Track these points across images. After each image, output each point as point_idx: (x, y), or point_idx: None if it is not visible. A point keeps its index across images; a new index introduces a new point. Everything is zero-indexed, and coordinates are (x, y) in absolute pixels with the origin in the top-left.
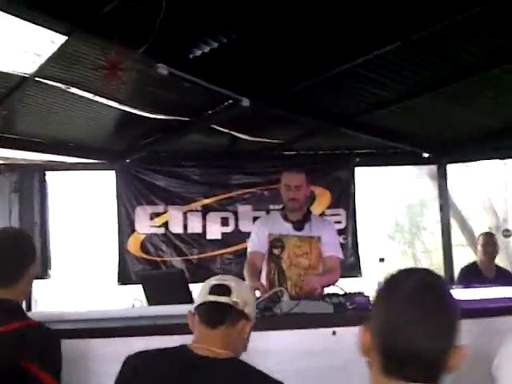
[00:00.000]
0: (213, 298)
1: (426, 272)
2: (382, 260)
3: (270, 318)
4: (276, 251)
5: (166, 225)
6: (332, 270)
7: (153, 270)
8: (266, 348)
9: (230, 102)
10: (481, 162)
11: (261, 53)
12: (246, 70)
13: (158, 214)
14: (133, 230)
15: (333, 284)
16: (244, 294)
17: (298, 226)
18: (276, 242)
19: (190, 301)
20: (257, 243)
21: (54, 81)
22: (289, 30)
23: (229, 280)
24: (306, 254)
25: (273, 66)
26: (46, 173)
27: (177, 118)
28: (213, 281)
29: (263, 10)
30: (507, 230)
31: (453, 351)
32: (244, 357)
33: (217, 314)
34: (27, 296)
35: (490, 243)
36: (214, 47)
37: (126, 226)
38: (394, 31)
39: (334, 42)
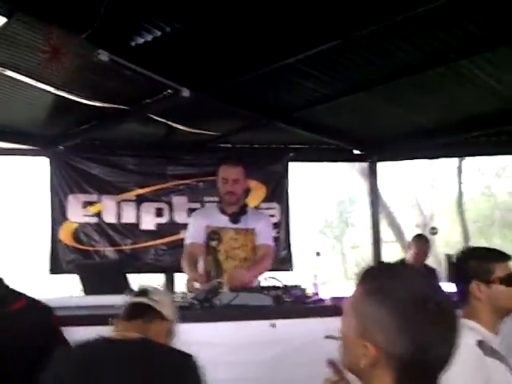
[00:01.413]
0: (135, 299)
1: (427, 282)
2: (318, 254)
3: (210, 310)
4: (213, 243)
5: (99, 214)
6: (262, 258)
7: (85, 259)
8: (206, 339)
9: (170, 91)
10: (409, 161)
11: (204, 44)
12: (188, 60)
13: (91, 203)
14: (65, 219)
15: (264, 271)
16: (162, 297)
17: (235, 218)
18: (213, 235)
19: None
20: (194, 235)
21: None
22: (233, 23)
23: (150, 287)
24: (242, 246)
25: (215, 57)
26: None
27: (114, 105)
28: (137, 287)
29: (208, 1)
30: (433, 228)
31: None
32: (184, 348)
33: (134, 310)
34: None
35: (422, 250)
36: (157, 36)
37: (58, 215)
38: (335, 29)
39: (276, 37)
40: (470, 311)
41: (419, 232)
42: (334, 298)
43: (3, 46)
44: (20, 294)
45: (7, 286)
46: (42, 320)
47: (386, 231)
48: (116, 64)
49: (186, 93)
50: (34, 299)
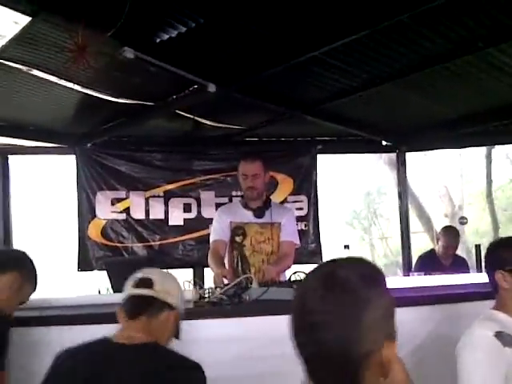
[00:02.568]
0: (136, 291)
1: (337, 264)
2: (346, 247)
3: (239, 305)
4: (238, 239)
5: (127, 210)
6: (286, 256)
7: (114, 256)
8: (236, 335)
9: (196, 87)
10: (438, 150)
11: (228, 38)
12: (213, 55)
13: (119, 200)
14: (93, 216)
15: (286, 269)
16: (167, 285)
17: (259, 213)
18: (237, 230)
19: None
20: (219, 232)
21: (16, 62)
22: (257, 16)
23: (152, 273)
24: (267, 239)
25: (240, 51)
26: (10, 157)
27: (140, 102)
28: (137, 275)
29: None
30: (463, 218)
31: (380, 351)
32: (214, 344)
33: (138, 306)
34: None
35: (451, 241)
36: (182, 32)
37: (86, 212)
38: (360, 20)
39: (301, 30)
40: (498, 301)
41: (448, 222)
42: None
43: (29, 45)
44: None
45: None
46: None
47: (414, 222)
48: (141, 61)
49: (211, 88)
50: None
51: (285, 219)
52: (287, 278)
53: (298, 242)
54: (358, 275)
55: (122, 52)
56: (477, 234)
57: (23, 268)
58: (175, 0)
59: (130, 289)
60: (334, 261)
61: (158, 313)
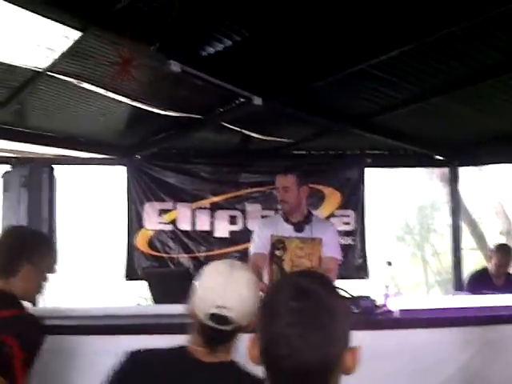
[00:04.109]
0: (213, 325)
1: (302, 276)
2: (389, 264)
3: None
4: (278, 253)
5: (174, 221)
6: (328, 270)
7: (160, 266)
8: None
9: (242, 100)
10: (493, 165)
11: (274, 51)
12: (258, 68)
13: (166, 211)
14: (141, 226)
15: None
16: (244, 311)
17: (299, 227)
18: (278, 244)
19: None
20: (259, 244)
21: (67, 76)
22: (303, 29)
23: (229, 304)
24: (307, 255)
25: (286, 64)
26: (55, 167)
27: (188, 115)
28: (212, 308)
29: (277, 8)
30: None
31: (346, 354)
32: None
33: (215, 340)
34: (35, 290)
35: (503, 260)
36: (227, 45)
37: (134, 222)
38: (409, 32)
39: (348, 42)
40: None
41: (503, 239)
42: (401, 311)
43: (78, 59)
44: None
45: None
46: None
47: (467, 238)
48: (188, 74)
49: (257, 101)
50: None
51: (327, 234)
52: None
53: (340, 257)
54: (322, 287)
55: (168, 65)
56: None
57: (31, 257)
58: (219, 13)
59: (204, 317)
60: (296, 274)
61: (235, 337)
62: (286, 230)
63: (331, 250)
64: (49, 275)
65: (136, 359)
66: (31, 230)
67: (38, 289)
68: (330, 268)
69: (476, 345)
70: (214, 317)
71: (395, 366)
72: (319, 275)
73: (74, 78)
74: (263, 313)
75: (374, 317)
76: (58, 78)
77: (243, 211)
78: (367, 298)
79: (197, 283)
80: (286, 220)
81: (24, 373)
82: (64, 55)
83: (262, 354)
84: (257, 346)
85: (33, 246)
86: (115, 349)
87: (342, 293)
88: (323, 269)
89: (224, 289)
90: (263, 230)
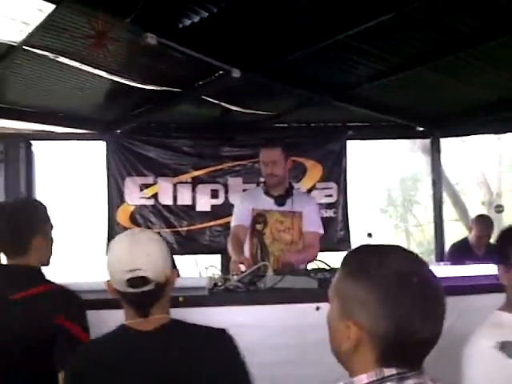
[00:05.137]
0: (133, 290)
1: (412, 258)
2: (369, 235)
3: (254, 293)
4: (259, 226)
5: (155, 196)
6: (311, 246)
7: None
8: (250, 322)
9: (221, 72)
10: (475, 136)
11: (251, 23)
12: (236, 40)
13: (147, 186)
14: (122, 201)
15: (312, 260)
16: (161, 267)
17: (280, 201)
18: (259, 218)
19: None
20: (240, 217)
21: (42, 50)
22: (280, 0)
23: (141, 266)
24: (288, 229)
25: (263, 36)
26: (33, 143)
27: (167, 88)
28: (126, 274)
29: None
30: (499, 206)
31: None
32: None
33: (144, 304)
34: (47, 261)
35: (484, 230)
36: (204, 16)
37: (115, 197)
38: (387, 2)
39: (326, 13)
40: (506, 300)
41: (485, 210)
42: None
43: (53, 32)
44: (41, 280)
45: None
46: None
47: (450, 210)
48: (165, 47)
49: (236, 73)
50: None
51: (307, 208)
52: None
53: (321, 231)
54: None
55: (144, 38)
56: None
57: (41, 229)
58: None
59: (122, 285)
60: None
61: (164, 293)
62: (267, 203)
63: (312, 224)
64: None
65: (84, 356)
66: (29, 199)
67: (50, 255)
68: (312, 243)
69: (455, 314)
70: (130, 282)
71: None
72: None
73: (50, 52)
74: (382, 296)
75: None
76: (34, 52)
77: (225, 185)
78: None
79: (107, 259)
80: (267, 193)
81: None
82: (38, 29)
83: (385, 337)
84: (363, 330)
85: (40, 218)
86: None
87: (322, 264)
88: (305, 244)
89: (130, 253)
90: (244, 203)
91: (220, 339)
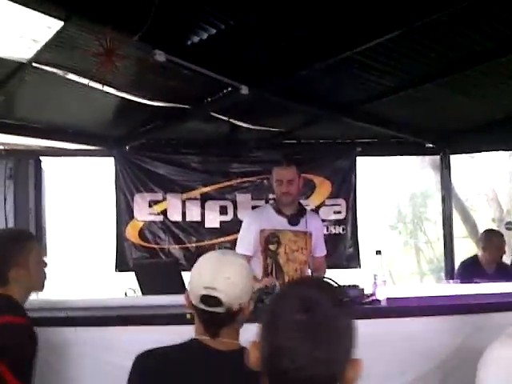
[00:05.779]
0: (205, 307)
1: (309, 286)
2: (378, 252)
3: (262, 309)
4: (272, 247)
5: (164, 212)
6: (321, 270)
7: (151, 257)
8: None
9: (229, 89)
10: (485, 153)
11: (260, 39)
12: (244, 56)
13: (156, 202)
14: (131, 218)
15: None
16: (235, 292)
17: (294, 220)
18: (272, 238)
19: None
20: (244, 245)
21: (52, 66)
22: (289, 16)
23: (218, 286)
24: (301, 249)
25: (272, 53)
26: (43, 159)
27: (176, 105)
28: (202, 290)
29: None
30: (510, 223)
31: (348, 367)
32: None
33: (213, 324)
34: (37, 287)
35: (494, 247)
36: (212, 33)
37: (124, 213)
38: (396, 18)
39: (335, 29)
40: None
41: (495, 227)
42: (389, 299)
43: (62, 49)
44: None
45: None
46: None
47: (460, 226)
48: (173, 64)
49: (244, 90)
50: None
51: (316, 230)
52: None
53: (325, 251)
54: (329, 299)
55: (153, 55)
56: None
57: (16, 261)
58: (203, 1)
59: (196, 299)
60: (302, 283)
61: (235, 320)
62: (279, 222)
63: (322, 249)
64: (44, 264)
65: (147, 361)
66: (7, 231)
67: (43, 280)
68: (321, 267)
69: (465, 332)
70: (203, 298)
71: (383, 352)
72: (325, 284)
73: (59, 69)
74: (267, 321)
75: (361, 306)
76: (43, 69)
77: (233, 201)
78: (355, 287)
79: (191, 272)
80: (279, 212)
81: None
82: (47, 45)
83: (263, 363)
84: (258, 352)
85: (15, 250)
86: (104, 340)
87: (330, 282)
88: (315, 267)
89: (212, 272)
90: (251, 226)
91: None
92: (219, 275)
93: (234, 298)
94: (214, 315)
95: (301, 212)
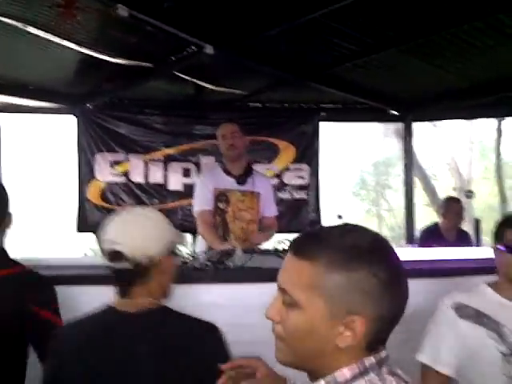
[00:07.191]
0: (113, 264)
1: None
2: (340, 217)
3: (223, 271)
4: (221, 205)
5: (126, 173)
6: (271, 228)
7: None
8: (219, 301)
9: (194, 48)
10: (447, 121)
11: None
12: (210, 16)
13: (118, 162)
14: (93, 178)
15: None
16: (139, 245)
17: (241, 180)
18: (221, 197)
19: None
20: (205, 201)
21: (10, 18)
22: None
23: (118, 239)
24: (248, 208)
25: (238, 13)
26: (1, 115)
27: (138, 63)
28: (106, 246)
29: None
30: (470, 191)
31: None
32: (197, 309)
33: (123, 283)
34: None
35: (453, 212)
36: None
37: (85, 174)
38: None
39: None
40: (497, 281)
41: (455, 195)
42: None
43: (22, 1)
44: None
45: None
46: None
47: (421, 194)
48: (136, 20)
49: (209, 50)
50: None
51: (266, 191)
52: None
53: (277, 212)
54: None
55: (115, 9)
56: (487, 210)
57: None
58: None
59: (108, 261)
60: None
61: (148, 276)
62: (228, 182)
63: (270, 208)
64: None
65: (62, 337)
66: None
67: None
68: (272, 225)
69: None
70: (107, 253)
71: None
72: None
73: (18, 21)
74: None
75: None
76: (2, 21)
77: (197, 164)
78: None
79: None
80: (227, 173)
81: None
82: None
83: (388, 315)
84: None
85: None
86: (65, 299)
87: (287, 244)
88: (265, 226)
89: (116, 226)
90: (206, 184)
91: (207, 337)
92: (121, 228)
93: (137, 249)
94: (122, 272)
95: (248, 172)
